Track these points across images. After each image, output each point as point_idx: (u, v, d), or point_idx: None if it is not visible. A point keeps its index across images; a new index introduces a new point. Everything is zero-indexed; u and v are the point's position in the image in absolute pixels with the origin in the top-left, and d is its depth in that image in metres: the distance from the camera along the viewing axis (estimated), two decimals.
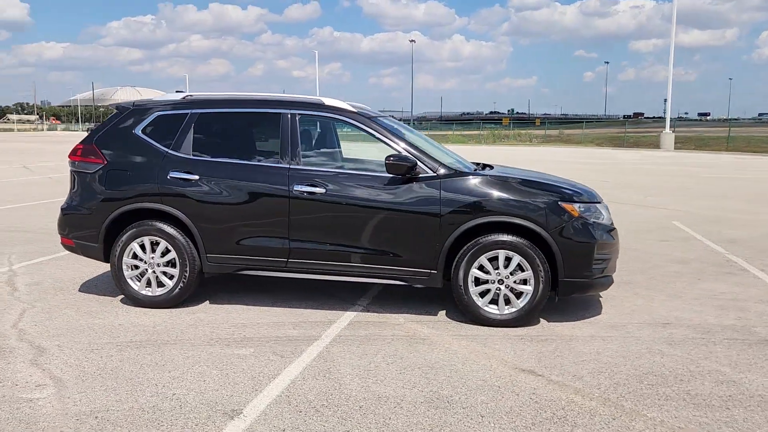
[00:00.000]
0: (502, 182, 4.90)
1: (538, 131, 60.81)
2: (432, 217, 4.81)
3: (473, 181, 4.89)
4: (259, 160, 5.16)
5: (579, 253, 4.76)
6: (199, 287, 5.52)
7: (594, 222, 4.88)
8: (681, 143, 39.30)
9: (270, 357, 4.18)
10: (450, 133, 63.22)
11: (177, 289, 5.14)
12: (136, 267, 5.20)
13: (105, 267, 6.23)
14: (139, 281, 5.21)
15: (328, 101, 5.25)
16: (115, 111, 5.51)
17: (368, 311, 5.21)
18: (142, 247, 5.17)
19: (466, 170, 5.10)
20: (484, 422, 3.32)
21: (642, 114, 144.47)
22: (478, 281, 4.85)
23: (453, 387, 3.74)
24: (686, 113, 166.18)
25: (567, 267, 4.75)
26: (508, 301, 4.84)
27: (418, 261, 4.89)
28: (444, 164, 5.00)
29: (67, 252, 5.78)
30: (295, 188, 4.94)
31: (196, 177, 5.07)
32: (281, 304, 5.35)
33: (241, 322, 4.88)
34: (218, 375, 3.88)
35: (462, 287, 4.84)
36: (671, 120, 41.37)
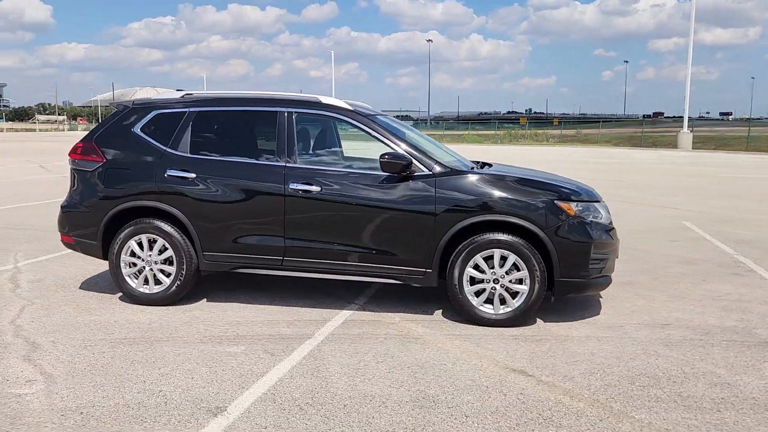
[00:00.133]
0: (497, 181, 4.86)
1: (555, 131, 60.39)
2: (427, 216, 4.78)
3: (469, 180, 4.85)
4: (255, 159, 5.17)
5: (575, 253, 4.71)
6: (198, 285, 5.55)
7: (591, 221, 4.82)
8: (700, 143, 38.82)
9: (260, 355, 4.18)
10: (465, 132, 63.04)
11: (174, 287, 5.17)
12: (134, 264, 5.23)
13: (107, 265, 6.26)
14: (137, 279, 5.24)
15: (325, 99, 5.24)
16: (115, 109, 5.55)
17: (364, 310, 5.19)
18: (140, 244, 5.20)
19: (462, 168, 5.06)
20: (467, 422, 3.28)
21: (662, 113, 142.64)
22: (473, 280, 4.81)
23: (440, 386, 3.71)
24: (707, 112, 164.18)
25: (563, 266, 4.69)
26: (503, 301, 4.79)
27: (413, 260, 4.86)
28: (440, 162, 4.97)
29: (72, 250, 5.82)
30: (290, 186, 4.94)
31: (193, 175, 5.09)
32: (278, 302, 5.36)
33: (236, 320, 4.89)
34: (207, 372, 3.88)
35: (457, 286, 4.80)
36: (691, 120, 40.91)
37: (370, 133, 5.06)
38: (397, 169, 4.78)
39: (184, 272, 5.14)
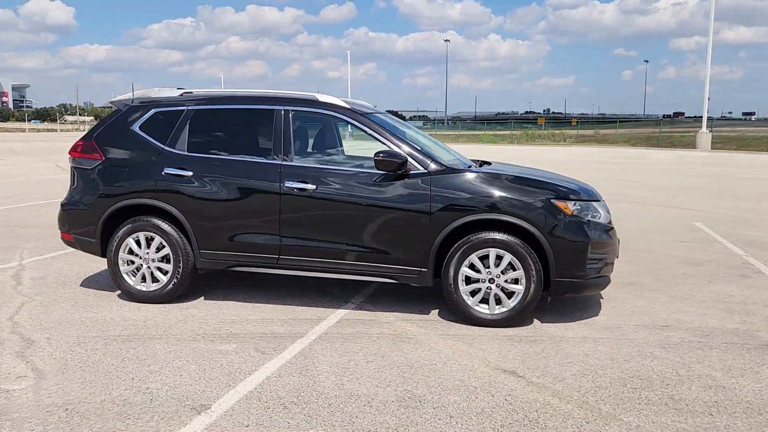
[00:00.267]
0: (493, 179, 4.81)
1: (572, 131, 59.95)
2: (422, 215, 4.74)
3: (464, 178, 4.81)
4: (252, 157, 5.15)
5: (572, 253, 4.64)
6: (196, 283, 5.57)
7: (589, 220, 4.75)
8: (721, 143, 38.26)
9: (251, 353, 4.17)
10: (481, 132, 62.79)
11: (171, 285, 5.18)
12: (132, 262, 5.25)
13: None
14: (135, 276, 5.26)
15: (322, 97, 5.23)
16: (114, 108, 5.58)
17: (361, 309, 5.17)
18: (138, 242, 5.22)
19: (458, 167, 5.02)
20: (451, 423, 3.25)
21: (682, 113, 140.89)
22: (468, 280, 4.77)
23: (428, 386, 3.68)
24: (730, 112, 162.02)
25: (559, 266, 4.63)
26: (498, 301, 4.74)
27: (408, 259, 4.83)
28: (436, 160, 4.93)
29: None
30: (286, 185, 4.93)
31: (190, 173, 5.10)
32: (274, 301, 5.35)
33: (231, 318, 4.89)
34: (196, 370, 3.88)
35: (452, 286, 4.76)
36: (712, 119, 40.37)
37: (366, 131, 5.04)
38: (392, 167, 4.75)
39: (180, 270, 5.15)
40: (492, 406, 3.43)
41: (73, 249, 5.74)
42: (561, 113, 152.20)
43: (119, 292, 5.46)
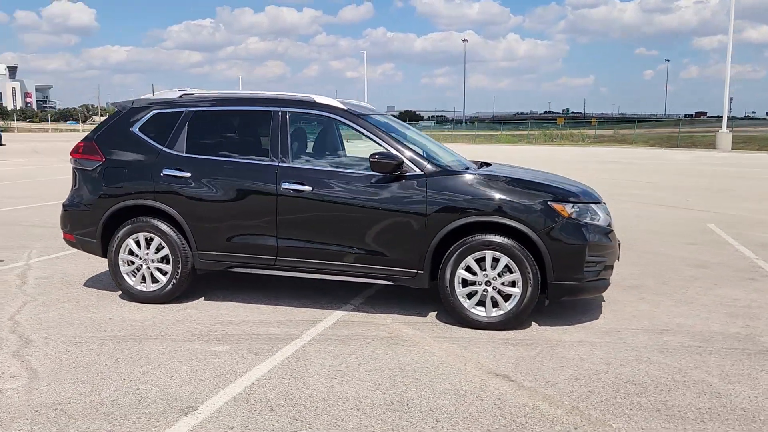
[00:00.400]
0: (490, 181, 4.77)
1: (591, 131, 59.38)
2: (417, 216, 4.72)
3: (461, 180, 4.77)
4: (249, 158, 5.16)
5: (569, 255, 4.59)
6: (197, 284, 5.60)
7: (587, 223, 4.69)
8: (742, 143, 37.68)
9: (244, 355, 4.18)
10: (499, 133, 62.48)
11: (170, 285, 5.21)
12: (132, 263, 5.29)
13: None
14: (135, 276, 5.30)
15: (319, 99, 5.22)
16: (115, 110, 5.62)
17: (359, 311, 5.16)
18: (138, 243, 5.25)
19: (455, 168, 4.98)
20: (437, 427, 3.22)
21: (704, 113, 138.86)
22: (465, 282, 4.73)
23: (418, 390, 3.65)
24: (753, 112, 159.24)
25: (556, 269, 4.58)
26: (495, 304, 4.70)
27: (404, 261, 4.81)
28: (433, 162, 4.90)
29: None
30: (282, 186, 4.93)
31: (188, 174, 5.13)
32: (273, 302, 5.35)
33: (228, 319, 4.90)
34: (187, 371, 3.90)
35: (448, 288, 4.73)
36: (735, 119, 39.77)
37: (362, 133, 5.03)
38: (388, 168, 4.73)
39: (179, 271, 5.18)
40: (480, 411, 3.40)
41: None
42: (580, 113, 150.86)
43: (121, 292, 5.50)
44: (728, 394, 3.63)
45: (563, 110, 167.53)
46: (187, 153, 5.21)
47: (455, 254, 4.68)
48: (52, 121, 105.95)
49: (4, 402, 3.44)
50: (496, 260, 4.65)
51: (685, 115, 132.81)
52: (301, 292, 5.61)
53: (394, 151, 4.84)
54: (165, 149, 5.23)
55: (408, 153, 4.88)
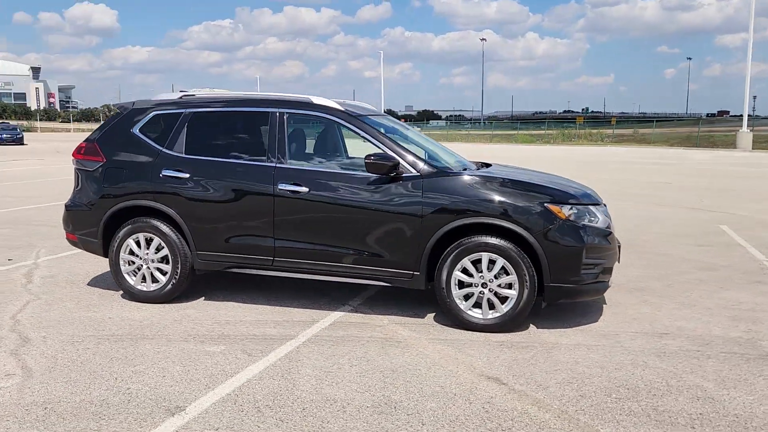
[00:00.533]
0: (487, 182, 4.73)
1: (610, 130, 58.85)
2: (413, 218, 4.70)
3: (457, 181, 4.75)
4: (247, 159, 5.18)
5: (566, 257, 4.54)
6: (198, 284, 5.63)
7: (585, 225, 4.64)
8: (765, 142, 37.08)
9: (238, 355, 4.19)
10: (516, 132, 62.14)
11: (170, 285, 5.25)
12: (133, 262, 5.33)
13: None
14: (135, 276, 5.34)
15: (316, 100, 5.22)
16: (116, 111, 5.67)
17: (356, 312, 5.15)
18: (138, 243, 5.30)
19: (453, 170, 4.95)
20: (422, 430, 3.20)
21: (727, 112, 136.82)
22: (461, 284, 4.70)
23: (407, 392, 3.64)
24: None
25: (553, 271, 4.54)
26: (492, 306, 4.66)
27: (400, 262, 4.79)
28: (430, 163, 4.88)
29: None
30: (279, 187, 4.94)
31: (187, 175, 5.16)
32: (272, 302, 5.37)
33: (226, 320, 4.92)
34: (179, 371, 3.92)
35: (445, 290, 4.71)
36: (757, 118, 39.18)
37: (359, 134, 5.03)
38: (383, 170, 4.72)
39: (179, 271, 5.21)
40: (467, 414, 3.37)
41: None
42: (600, 112, 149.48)
43: (122, 291, 5.55)
44: (722, 400, 3.56)
45: (583, 109, 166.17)
46: (186, 154, 5.24)
47: (451, 256, 4.66)
48: (74, 120, 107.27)
49: None
50: (492, 262, 4.62)
51: (708, 114, 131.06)
52: (301, 292, 5.62)
53: (390, 152, 4.83)
54: (165, 150, 5.27)
55: (404, 154, 4.86)
